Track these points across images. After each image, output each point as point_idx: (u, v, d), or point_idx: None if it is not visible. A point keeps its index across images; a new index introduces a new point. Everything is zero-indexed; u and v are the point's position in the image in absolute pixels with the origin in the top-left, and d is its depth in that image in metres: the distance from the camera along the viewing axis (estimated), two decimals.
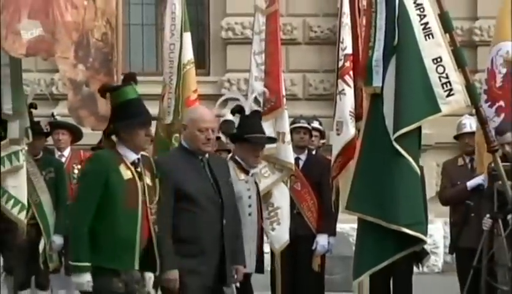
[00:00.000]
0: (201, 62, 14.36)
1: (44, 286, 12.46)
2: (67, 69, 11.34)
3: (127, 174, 7.24)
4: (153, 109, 12.06)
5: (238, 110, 8.76)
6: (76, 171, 12.67)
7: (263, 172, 11.27)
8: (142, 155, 7.52)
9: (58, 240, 11.94)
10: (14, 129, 11.21)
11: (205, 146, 7.81)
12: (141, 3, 16.67)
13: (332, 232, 12.29)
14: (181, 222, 7.67)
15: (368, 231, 10.44)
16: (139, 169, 7.34)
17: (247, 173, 8.43)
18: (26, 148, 11.48)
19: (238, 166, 8.36)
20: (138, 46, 16.43)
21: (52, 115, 12.98)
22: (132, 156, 7.33)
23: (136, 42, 16.09)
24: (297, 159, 11.86)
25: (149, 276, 7.50)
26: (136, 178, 7.27)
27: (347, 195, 10.57)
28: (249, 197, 8.25)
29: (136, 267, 7.25)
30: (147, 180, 7.34)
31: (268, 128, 11.33)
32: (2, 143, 11.17)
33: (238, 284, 8.20)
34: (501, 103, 11.78)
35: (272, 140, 8.63)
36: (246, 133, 8.47)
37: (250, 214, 8.14)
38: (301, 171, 11.87)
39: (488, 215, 10.56)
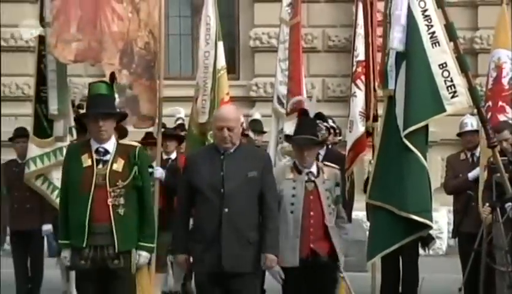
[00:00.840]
0: (232, 67, 14.34)
1: None
2: (115, 74, 11.39)
3: (87, 162, 7.26)
4: (189, 109, 12.24)
5: (303, 113, 8.34)
6: None
7: (287, 165, 11.33)
8: (119, 144, 7.50)
9: None
10: (59, 128, 11.27)
11: (222, 142, 7.51)
12: (178, 16, 16.67)
13: (348, 218, 12.25)
14: (193, 211, 7.56)
15: (381, 218, 10.46)
16: (105, 157, 7.30)
17: (300, 172, 7.96)
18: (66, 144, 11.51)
19: (293, 166, 8.02)
20: (176, 53, 16.42)
21: None
22: (95, 145, 7.32)
23: (174, 50, 16.07)
24: (317, 154, 11.84)
25: (139, 253, 7.42)
26: (94, 165, 7.25)
27: (369, 187, 10.57)
28: (293, 196, 7.79)
29: (84, 245, 7.23)
30: (115, 166, 7.28)
31: (290, 127, 11.45)
32: (48, 140, 11.33)
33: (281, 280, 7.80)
34: (489, 103, 11.80)
35: (312, 141, 8.00)
36: (294, 135, 8.21)
37: (292, 212, 7.70)
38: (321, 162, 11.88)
39: (487, 204, 10.56)
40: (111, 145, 7.34)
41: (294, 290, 7.81)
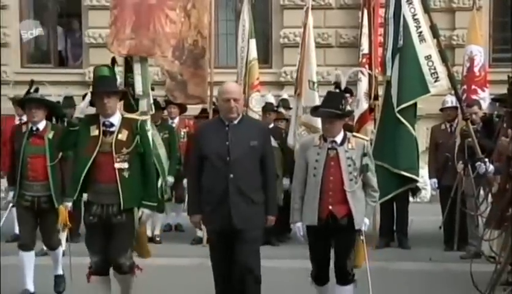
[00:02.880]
0: (266, 59, 14.32)
1: (162, 210, 12.09)
2: (165, 64, 11.50)
3: (94, 132, 6.66)
4: None
5: (336, 86, 7.43)
6: (182, 134, 12.61)
7: (302, 134, 11.23)
8: (124, 117, 6.86)
9: (170, 179, 11.84)
10: (143, 105, 11.28)
11: (229, 112, 6.59)
12: (225, 20, 16.64)
13: None
14: (202, 176, 6.66)
15: (380, 174, 10.38)
16: (111, 129, 6.68)
17: (325, 140, 6.78)
18: (150, 117, 11.57)
19: (321, 134, 6.90)
20: (224, 48, 16.39)
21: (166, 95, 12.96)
22: (102, 119, 6.70)
23: (222, 46, 16.05)
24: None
25: (142, 211, 6.77)
26: (101, 135, 6.64)
27: (371, 150, 10.50)
28: (316, 161, 6.70)
29: (74, 197, 6.83)
30: (120, 136, 6.67)
31: (305, 105, 11.50)
32: (134, 114, 11.31)
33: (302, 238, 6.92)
34: (465, 86, 11.76)
35: (330, 114, 6.77)
36: (320, 107, 7.08)
37: (314, 175, 6.70)
38: None
39: (461, 162, 10.54)
40: (116, 119, 6.74)
41: (315, 246, 6.83)
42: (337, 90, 7.63)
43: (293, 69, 13.41)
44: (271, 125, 12.22)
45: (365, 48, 12.08)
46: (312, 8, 12.07)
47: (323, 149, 6.73)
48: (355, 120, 12.30)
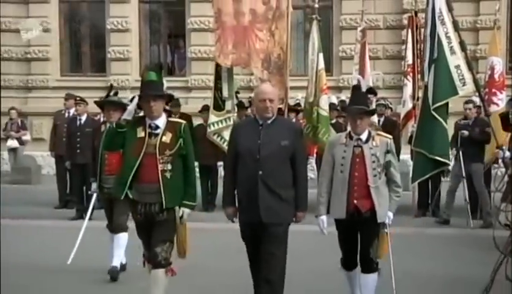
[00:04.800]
0: (329, 68, 14.19)
1: None
2: (258, 73, 11.58)
3: (140, 133, 5.65)
4: (304, 93, 12.31)
5: (356, 87, 6.33)
6: None
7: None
8: (169, 121, 5.86)
9: None
10: (228, 105, 11.45)
11: (264, 112, 5.65)
12: (296, 38, 16.59)
13: (397, 157, 12.02)
14: (237, 172, 5.71)
15: (419, 158, 10.44)
16: (156, 131, 5.67)
17: (351, 138, 5.89)
18: (236, 115, 11.66)
19: (348, 133, 5.99)
20: (295, 60, 16.32)
21: (250, 97, 13.03)
22: (148, 121, 5.71)
23: (295, 58, 15.95)
24: (378, 120, 11.73)
25: (183, 210, 5.69)
26: (146, 137, 5.64)
27: (413, 140, 10.57)
28: (343, 158, 5.81)
29: (122, 197, 5.69)
30: (164, 138, 5.66)
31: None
32: (222, 112, 11.46)
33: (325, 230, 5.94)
34: (486, 89, 11.54)
35: (361, 110, 5.86)
36: (349, 105, 6.18)
37: (341, 172, 5.78)
38: (382, 126, 11.73)
39: (454, 149, 10.91)
40: (161, 121, 5.74)
41: (343, 237, 5.94)
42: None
43: (350, 77, 13.35)
44: (333, 120, 12.24)
45: (409, 59, 12.09)
46: (362, 30, 12.12)
47: (349, 147, 5.85)
48: (401, 117, 12.29)
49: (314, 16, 12.05)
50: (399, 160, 11.64)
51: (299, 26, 17.17)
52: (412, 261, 8.02)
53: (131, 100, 5.82)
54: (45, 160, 15.63)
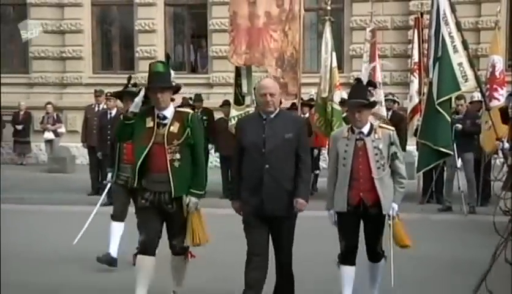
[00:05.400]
0: (340, 66, 13.94)
1: None
2: (271, 71, 11.56)
3: (149, 123, 5.32)
4: (311, 89, 12.31)
5: (357, 80, 5.90)
6: None
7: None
8: (177, 111, 5.47)
9: None
10: (247, 100, 11.45)
11: (265, 106, 5.27)
12: (309, 38, 16.57)
13: (403, 148, 11.93)
14: (242, 165, 5.32)
15: (424, 149, 10.40)
16: (164, 121, 5.33)
17: (353, 132, 5.45)
18: (254, 109, 11.65)
19: (350, 127, 5.52)
20: (309, 59, 16.31)
21: None
22: (156, 111, 5.37)
23: (308, 57, 15.95)
24: (387, 114, 11.67)
25: (189, 198, 5.33)
26: (155, 127, 5.31)
27: (419, 132, 10.56)
28: (345, 151, 5.38)
29: (134, 185, 5.40)
30: (172, 128, 5.32)
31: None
32: (241, 106, 11.45)
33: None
34: (488, 86, 11.39)
35: (359, 103, 5.42)
36: (348, 99, 5.69)
37: (344, 165, 5.36)
38: (389, 119, 11.68)
39: None
40: (169, 112, 5.37)
41: (345, 230, 5.45)
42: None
43: (359, 73, 13.27)
44: (344, 114, 12.18)
45: (415, 57, 12.02)
46: (371, 31, 12.06)
47: (351, 141, 5.40)
48: (408, 111, 12.25)
49: (327, 17, 11.96)
50: (404, 150, 11.70)
51: (312, 26, 17.09)
52: (417, 245, 7.96)
53: (138, 92, 5.51)
54: (78, 150, 15.68)
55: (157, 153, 5.28)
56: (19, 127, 16.88)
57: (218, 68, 16.84)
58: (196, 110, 12.55)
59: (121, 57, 18.23)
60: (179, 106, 6.67)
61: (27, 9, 17.73)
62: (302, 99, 12.15)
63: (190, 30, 18.34)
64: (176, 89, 5.59)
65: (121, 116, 5.84)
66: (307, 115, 12.17)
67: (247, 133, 5.35)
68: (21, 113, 16.93)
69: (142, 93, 5.37)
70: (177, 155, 5.31)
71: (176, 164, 5.29)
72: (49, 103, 16.52)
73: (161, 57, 17.53)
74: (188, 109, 5.88)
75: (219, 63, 16.61)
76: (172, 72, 5.58)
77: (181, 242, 5.41)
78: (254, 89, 11.89)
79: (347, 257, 5.44)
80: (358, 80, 5.89)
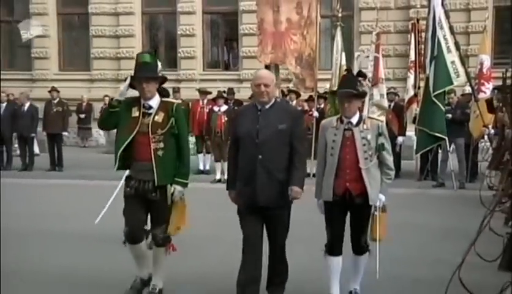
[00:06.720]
0: (349, 65, 13.93)
1: None
2: (292, 68, 11.66)
3: (135, 113, 4.66)
4: (326, 84, 12.20)
5: (348, 70, 5.32)
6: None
7: (375, 112, 10.91)
8: (162, 101, 4.76)
9: None
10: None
11: (260, 97, 4.47)
12: (324, 40, 16.41)
13: (404, 133, 11.82)
14: (238, 155, 4.52)
15: (422, 134, 10.33)
16: (150, 111, 4.67)
17: (342, 122, 4.63)
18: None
19: (339, 117, 4.68)
20: (324, 58, 16.15)
21: (287, 87, 12.92)
22: (142, 101, 4.70)
23: (323, 57, 15.79)
24: (389, 105, 11.56)
25: (174, 187, 4.65)
26: (140, 116, 4.65)
27: (417, 120, 10.46)
28: (333, 141, 4.58)
29: (115, 170, 4.77)
30: (157, 118, 4.65)
31: (377, 93, 11.27)
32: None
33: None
34: (476, 81, 11.21)
35: (348, 93, 4.57)
36: (338, 89, 4.88)
37: (331, 155, 4.55)
38: (391, 110, 11.55)
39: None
40: (154, 102, 4.70)
41: (331, 220, 4.62)
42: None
43: (366, 71, 13.17)
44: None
45: (412, 57, 11.87)
46: (376, 35, 11.92)
47: (339, 130, 4.60)
48: (405, 101, 12.08)
49: (338, 23, 11.90)
50: (404, 135, 11.58)
51: (326, 31, 16.94)
52: (415, 215, 7.95)
53: (125, 81, 4.82)
54: None
55: (142, 142, 4.64)
56: (82, 116, 17.27)
57: (247, 66, 16.81)
58: (229, 101, 12.66)
59: (166, 57, 18.24)
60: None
61: (89, 17, 17.92)
62: (318, 92, 12.10)
63: (224, 34, 18.32)
64: (162, 80, 4.88)
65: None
66: (322, 105, 12.12)
67: (241, 123, 4.58)
68: (84, 104, 17.28)
69: (127, 82, 4.73)
70: (161, 144, 4.65)
71: (160, 153, 4.64)
72: (106, 95, 16.62)
73: (199, 57, 17.62)
74: (173, 100, 5.20)
75: (248, 62, 16.57)
76: (159, 64, 4.95)
77: (162, 232, 4.74)
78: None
79: (333, 246, 4.67)
80: (349, 70, 5.25)
